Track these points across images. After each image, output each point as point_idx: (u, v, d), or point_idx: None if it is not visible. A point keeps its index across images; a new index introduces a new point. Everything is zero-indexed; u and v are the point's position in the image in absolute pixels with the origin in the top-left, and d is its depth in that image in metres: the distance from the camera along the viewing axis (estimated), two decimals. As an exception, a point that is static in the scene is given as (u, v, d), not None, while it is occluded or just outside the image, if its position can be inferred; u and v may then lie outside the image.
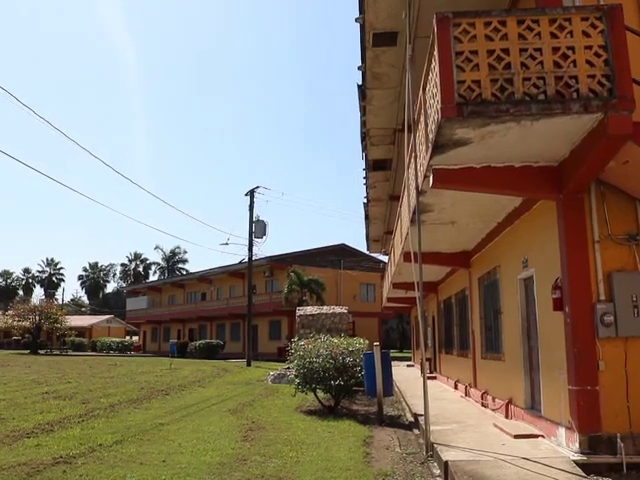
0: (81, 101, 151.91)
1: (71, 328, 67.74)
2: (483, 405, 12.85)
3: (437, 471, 7.70)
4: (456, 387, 17.02)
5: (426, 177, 8.18)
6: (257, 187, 39.91)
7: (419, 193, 9.04)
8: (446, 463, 7.25)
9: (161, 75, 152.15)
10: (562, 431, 7.94)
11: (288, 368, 20.22)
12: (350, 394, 14.72)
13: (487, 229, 11.98)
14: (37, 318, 62.66)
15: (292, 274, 44.10)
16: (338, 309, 24.30)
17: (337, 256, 51.47)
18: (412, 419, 12.40)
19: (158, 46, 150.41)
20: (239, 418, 12.81)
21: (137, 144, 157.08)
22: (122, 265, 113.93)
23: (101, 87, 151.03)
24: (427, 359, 16.18)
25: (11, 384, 21.42)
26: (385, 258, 32.84)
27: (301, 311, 24.42)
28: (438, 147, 7.11)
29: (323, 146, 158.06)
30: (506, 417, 10.99)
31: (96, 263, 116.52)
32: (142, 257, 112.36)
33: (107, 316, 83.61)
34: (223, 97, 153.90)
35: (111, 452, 9.02)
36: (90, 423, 12.00)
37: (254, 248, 40.30)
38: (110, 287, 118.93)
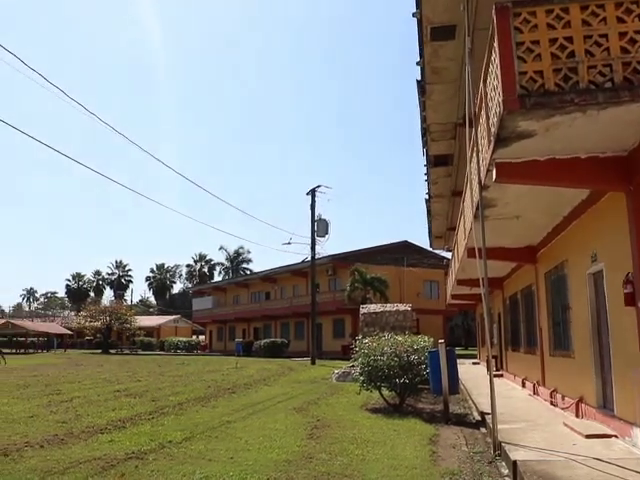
0: (131, 104, 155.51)
1: (140, 328, 69.85)
2: (552, 404, 12.56)
3: (505, 471, 7.54)
4: (524, 385, 16.68)
5: (489, 171, 8.03)
6: (318, 186, 40.16)
7: (482, 188, 8.87)
8: (515, 463, 7.10)
9: (214, 75, 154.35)
10: (637, 431, 7.67)
11: (352, 366, 20.20)
12: (415, 392, 14.60)
13: (553, 223, 11.68)
14: (108, 319, 64.87)
15: (355, 272, 44.04)
16: (402, 307, 24.07)
17: (400, 253, 51.09)
18: (479, 417, 12.22)
19: (218, 46, 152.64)
20: (304, 416, 12.87)
21: (195, 147, 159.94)
22: (187, 266, 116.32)
23: (150, 90, 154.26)
24: (493, 356, 15.88)
25: (85, 382, 22.17)
26: (448, 255, 32.46)
27: (365, 309, 24.33)
28: (500, 141, 6.96)
29: (384, 143, 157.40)
30: (577, 416, 10.70)
31: (162, 264, 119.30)
32: (207, 258, 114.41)
33: (174, 316, 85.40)
34: (279, 97, 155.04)
35: (180, 449, 9.21)
36: (160, 420, 12.29)
37: (317, 247, 40.56)
38: (176, 288, 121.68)
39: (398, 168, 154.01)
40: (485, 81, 7.75)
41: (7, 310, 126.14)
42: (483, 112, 8.18)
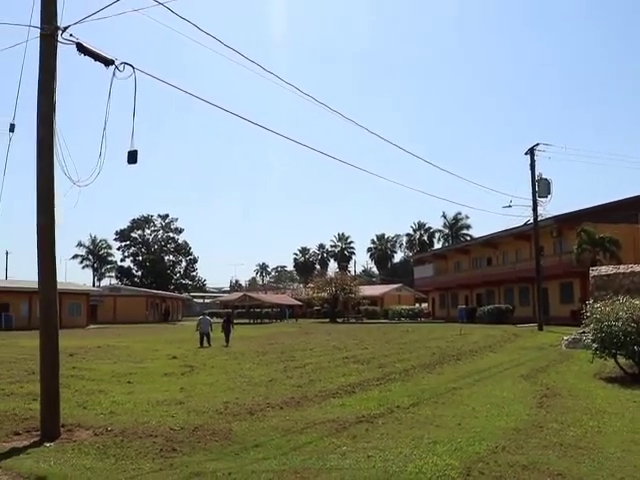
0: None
1: (364, 297, 72.33)
2: None
3: None
4: None
5: None
6: (537, 144, 38.32)
7: None
8: None
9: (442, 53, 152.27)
10: None
11: (583, 332, 19.17)
12: (657, 361, 13.52)
13: None
14: (333, 289, 68.04)
15: (582, 233, 41.46)
16: (638, 268, 22.26)
17: (633, 210, 46.97)
18: None
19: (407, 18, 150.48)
20: (532, 384, 12.55)
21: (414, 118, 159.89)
22: (407, 235, 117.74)
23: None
24: None
25: (316, 350, 23.54)
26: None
27: (595, 271, 22.93)
28: None
29: (607, 92, 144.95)
30: None
31: (383, 235, 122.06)
32: (426, 226, 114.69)
33: (396, 285, 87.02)
34: (489, 57, 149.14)
35: (408, 414, 9.49)
36: (387, 386, 12.72)
37: (539, 208, 38.93)
38: (397, 257, 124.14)
39: (626, 118, 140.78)
40: None
41: (243, 284, 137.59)
42: None
